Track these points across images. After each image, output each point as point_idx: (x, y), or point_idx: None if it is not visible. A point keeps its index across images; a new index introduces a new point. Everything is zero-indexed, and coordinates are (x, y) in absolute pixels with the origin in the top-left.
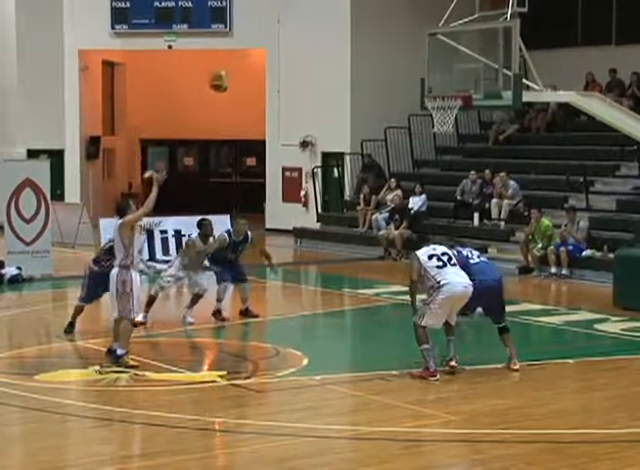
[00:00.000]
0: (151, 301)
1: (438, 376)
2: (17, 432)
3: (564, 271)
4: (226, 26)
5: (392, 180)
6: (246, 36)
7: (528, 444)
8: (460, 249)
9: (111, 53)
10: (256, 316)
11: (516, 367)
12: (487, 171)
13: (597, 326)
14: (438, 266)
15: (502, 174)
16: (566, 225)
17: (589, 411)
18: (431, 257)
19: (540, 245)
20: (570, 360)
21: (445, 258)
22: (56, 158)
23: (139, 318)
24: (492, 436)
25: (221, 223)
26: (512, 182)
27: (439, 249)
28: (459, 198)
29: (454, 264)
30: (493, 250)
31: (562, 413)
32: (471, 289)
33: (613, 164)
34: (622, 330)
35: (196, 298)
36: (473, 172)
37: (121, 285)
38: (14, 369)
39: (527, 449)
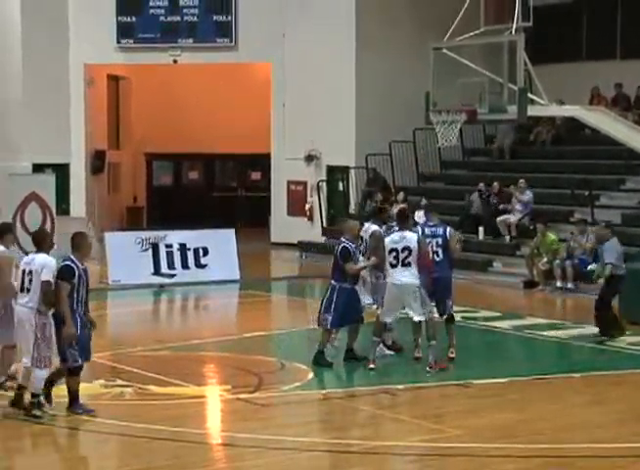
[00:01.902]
0: None
1: (374, 366)
2: (20, 446)
3: (569, 285)
4: (231, 41)
5: (401, 193)
6: (251, 50)
7: (535, 458)
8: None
9: (116, 67)
10: None
11: (452, 356)
12: (495, 184)
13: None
14: (391, 264)
15: (521, 181)
16: (572, 234)
17: (596, 426)
18: (390, 251)
19: (545, 259)
20: (576, 375)
21: (403, 256)
22: (61, 172)
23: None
24: (499, 450)
25: (226, 237)
26: (528, 191)
27: (403, 242)
28: (472, 212)
29: (406, 264)
30: (499, 264)
31: (568, 428)
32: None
33: (618, 178)
34: (629, 344)
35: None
36: (482, 184)
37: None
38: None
39: (534, 464)
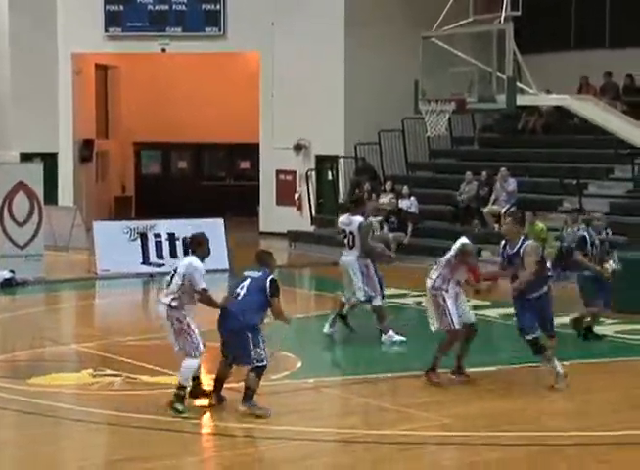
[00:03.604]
0: None
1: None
2: (9, 436)
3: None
4: (220, 30)
5: (388, 183)
6: (239, 39)
7: (524, 446)
8: None
9: (104, 56)
10: None
11: None
12: (484, 173)
13: (595, 328)
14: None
15: (502, 170)
16: (565, 223)
17: (585, 413)
18: (341, 232)
19: None
20: (564, 363)
21: (349, 238)
22: (49, 161)
23: None
24: (488, 438)
25: (215, 226)
26: (511, 179)
27: (350, 227)
28: (461, 202)
29: (351, 247)
30: (488, 252)
31: (557, 415)
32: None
33: (606, 168)
34: (616, 332)
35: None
36: (469, 173)
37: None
38: (6, 373)
39: (523, 452)
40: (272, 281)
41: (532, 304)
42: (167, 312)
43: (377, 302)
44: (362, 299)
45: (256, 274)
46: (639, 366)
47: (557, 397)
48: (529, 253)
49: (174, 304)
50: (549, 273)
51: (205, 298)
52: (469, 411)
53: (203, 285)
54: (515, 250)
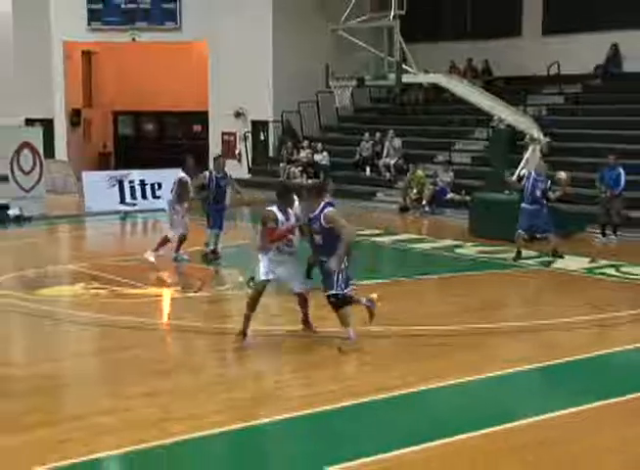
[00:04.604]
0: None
1: None
2: (22, 331)
3: (427, 209)
4: (176, 23)
5: (306, 142)
6: (192, 31)
7: (402, 337)
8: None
9: (88, 44)
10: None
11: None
12: (378, 134)
13: (457, 250)
14: None
15: (391, 131)
16: (436, 172)
17: (446, 314)
18: None
19: (415, 190)
20: (434, 276)
21: None
22: (47, 125)
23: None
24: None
25: (174, 174)
26: (397, 139)
27: None
28: (358, 156)
29: None
30: (381, 194)
31: (423, 316)
32: None
33: (468, 129)
34: (478, 252)
35: (182, 240)
36: (367, 134)
37: None
38: (18, 286)
39: (399, 341)
40: None
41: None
42: None
43: None
44: None
45: None
46: (490, 276)
47: (425, 300)
48: (335, 219)
49: None
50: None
51: None
52: (357, 311)
53: None
54: (316, 214)
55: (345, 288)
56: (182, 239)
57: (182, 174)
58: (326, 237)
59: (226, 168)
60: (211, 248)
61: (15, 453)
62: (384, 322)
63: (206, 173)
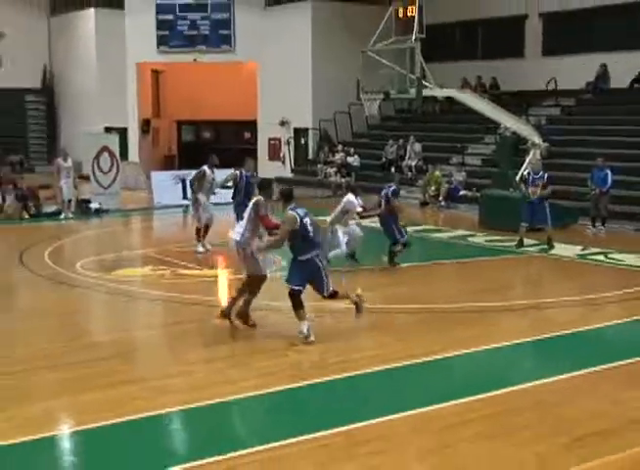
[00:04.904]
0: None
1: None
2: (99, 307)
3: (443, 204)
4: (230, 46)
5: (340, 146)
6: (243, 52)
7: (420, 313)
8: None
9: (157, 64)
10: None
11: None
12: (401, 140)
13: (469, 239)
14: None
15: (412, 137)
16: (451, 172)
17: (459, 291)
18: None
19: (433, 188)
20: (450, 261)
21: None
22: (122, 133)
23: (200, 249)
24: (396, 310)
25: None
26: (418, 144)
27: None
28: (384, 159)
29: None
30: (404, 191)
31: (438, 294)
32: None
33: (479, 136)
34: (487, 241)
35: (206, 228)
36: (391, 140)
37: None
38: (97, 268)
39: (419, 317)
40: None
41: (301, 265)
42: None
43: None
44: None
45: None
46: (497, 261)
47: (442, 281)
48: (283, 221)
49: None
50: (317, 241)
51: None
52: (385, 293)
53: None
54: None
55: (299, 285)
56: (204, 229)
57: (204, 167)
58: (290, 237)
59: (272, 169)
60: None
61: (99, 405)
62: (406, 301)
63: (237, 172)
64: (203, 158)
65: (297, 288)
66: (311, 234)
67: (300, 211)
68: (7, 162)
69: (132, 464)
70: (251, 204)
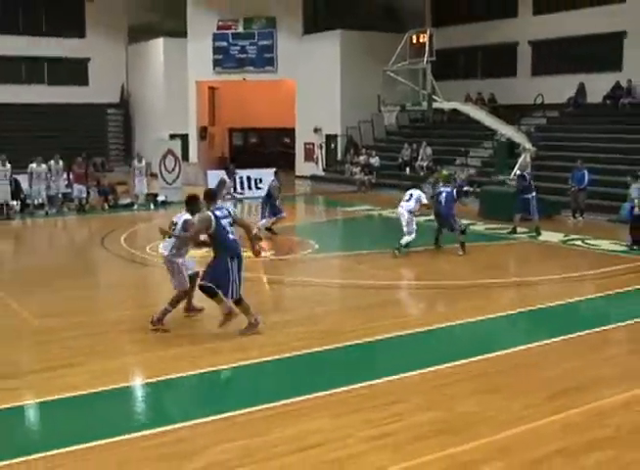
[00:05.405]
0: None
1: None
2: (164, 281)
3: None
4: (273, 67)
5: (364, 149)
6: (284, 72)
7: (433, 289)
8: None
9: (213, 82)
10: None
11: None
12: (414, 144)
13: (471, 227)
14: None
15: (424, 142)
16: (455, 171)
17: (464, 272)
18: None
19: (441, 184)
20: (455, 245)
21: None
22: (184, 138)
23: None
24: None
25: (270, 173)
26: (429, 147)
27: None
28: (400, 160)
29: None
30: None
31: (444, 273)
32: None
33: (479, 141)
34: (486, 229)
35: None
36: (406, 144)
37: None
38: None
39: (430, 293)
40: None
41: (214, 265)
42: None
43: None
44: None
45: None
46: (494, 245)
47: (449, 262)
48: (198, 219)
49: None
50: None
51: None
52: (414, 271)
53: None
54: None
55: (210, 283)
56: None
57: (223, 176)
58: (211, 237)
59: (308, 168)
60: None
61: (164, 362)
62: (422, 277)
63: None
64: (249, 159)
65: (207, 285)
66: (229, 235)
67: (220, 213)
68: (91, 163)
69: (190, 409)
70: (181, 221)
